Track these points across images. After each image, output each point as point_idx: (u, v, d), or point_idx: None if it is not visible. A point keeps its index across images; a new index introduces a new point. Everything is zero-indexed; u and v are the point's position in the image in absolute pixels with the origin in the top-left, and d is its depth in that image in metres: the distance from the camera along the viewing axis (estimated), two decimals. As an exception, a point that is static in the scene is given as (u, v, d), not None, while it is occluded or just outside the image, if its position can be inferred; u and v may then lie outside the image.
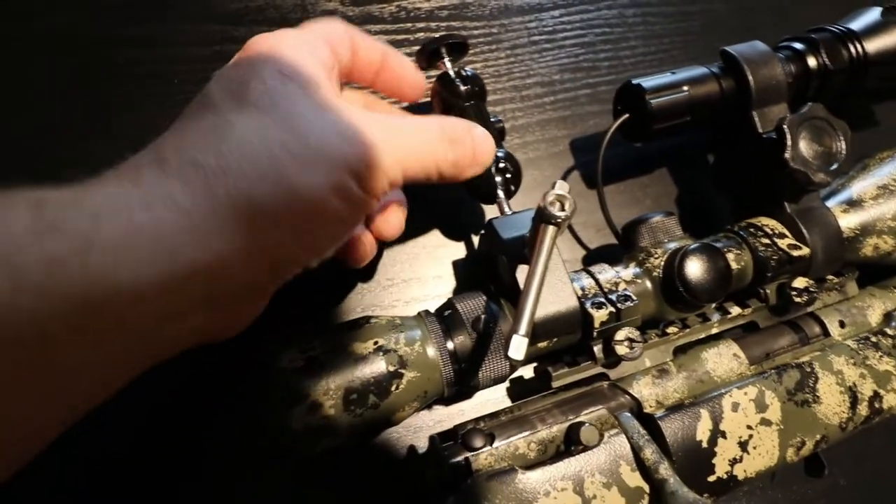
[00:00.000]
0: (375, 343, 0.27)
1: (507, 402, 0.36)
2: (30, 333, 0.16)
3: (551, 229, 0.25)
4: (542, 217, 0.25)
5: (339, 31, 0.29)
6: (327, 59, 0.27)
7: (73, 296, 0.17)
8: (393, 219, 0.32)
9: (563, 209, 0.24)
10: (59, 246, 0.17)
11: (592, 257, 0.40)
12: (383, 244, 0.37)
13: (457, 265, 0.38)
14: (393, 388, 0.27)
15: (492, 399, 0.36)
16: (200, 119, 0.23)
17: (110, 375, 0.20)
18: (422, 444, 0.34)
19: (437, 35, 0.43)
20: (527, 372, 0.36)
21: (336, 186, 0.23)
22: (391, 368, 0.27)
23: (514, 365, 0.30)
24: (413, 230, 0.38)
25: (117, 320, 0.18)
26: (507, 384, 0.36)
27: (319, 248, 0.25)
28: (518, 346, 0.22)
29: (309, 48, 0.26)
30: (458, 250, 0.39)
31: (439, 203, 0.39)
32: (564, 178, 0.42)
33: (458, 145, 0.28)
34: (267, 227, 0.22)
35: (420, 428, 0.34)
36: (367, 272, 0.37)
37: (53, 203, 0.18)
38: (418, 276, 0.37)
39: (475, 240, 0.39)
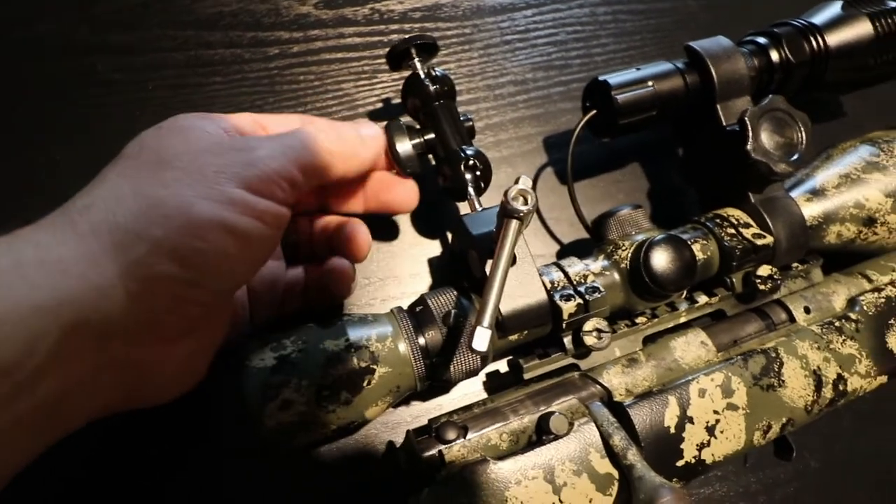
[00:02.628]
0: (346, 340, 0.28)
1: (484, 396, 0.36)
2: None
3: (514, 223, 0.25)
4: (505, 212, 0.25)
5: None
6: (237, 123, 0.28)
7: None
8: (359, 238, 0.33)
9: (525, 203, 0.25)
10: None
11: (566, 252, 0.41)
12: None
13: (432, 263, 0.39)
14: (364, 383, 0.27)
15: (469, 393, 0.36)
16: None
17: (14, 439, 0.20)
18: (400, 440, 0.35)
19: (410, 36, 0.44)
20: (502, 366, 0.37)
21: (209, 194, 0.23)
22: (362, 365, 0.27)
23: (484, 357, 0.31)
24: (390, 229, 0.39)
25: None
26: (483, 378, 0.37)
27: (219, 268, 0.24)
28: (481, 338, 0.23)
29: (212, 117, 0.27)
30: (434, 248, 0.39)
31: (415, 202, 0.40)
32: (538, 174, 0.42)
33: (333, 128, 0.30)
34: (137, 248, 0.22)
35: (398, 424, 0.35)
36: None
37: None
38: (395, 274, 0.38)
39: (451, 238, 0.39)
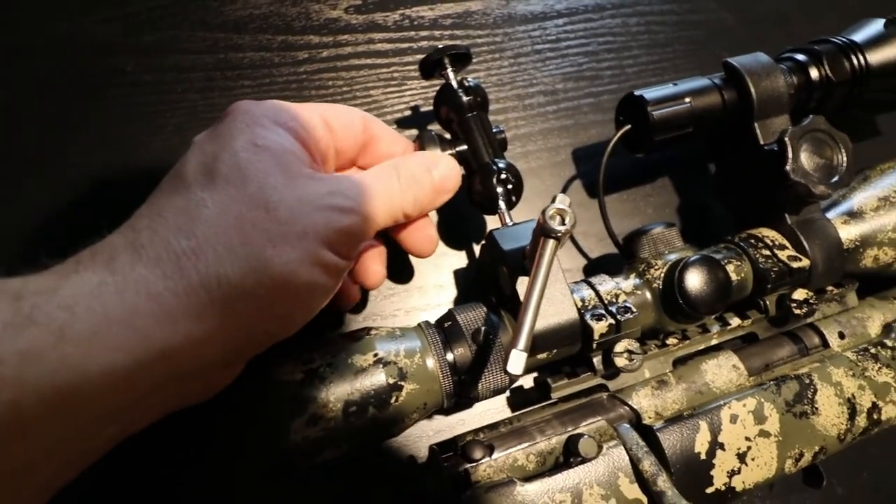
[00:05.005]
0: (375, 355, 0.27)
1: (508, 412, 0.36)
2: (5, 421, 0.17)
3: (551, 243, 0.25)
4: (542, 231, 0.25)
5: (340, 109, 0.30)
6: (311, 129, 0.27)
7: (47, 386, 0.18)
8: (374, 268, 0.31)
9: (563, 223, 0.24)
10: (35, 338, 0.18)
11: (594, 266, 0.40)
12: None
13: (458, 274, 0.38)
14: (392, 400, 0.27)
15: (492, 409, 0.36)
16: (175, 195, 0.23)
17: (83, 455, 0.21)
18: (421, 454, 0.34)
19: (440, 44, 0.43)
20: (527, 381, 0.36)
21: (308, 258, 0.23)
22: (391, 381, 0.27)
23: (513, 378, 0.30)
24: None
25: (90, 405, 0.19)
26: (506, 394, 0.36)
27: (295, 318, 0.25)
28: (517, 361, 0.22)
29: (291, 117, 0.26)
30: (460, 259, 0.39)
31: (441, 212, 0.39)
32: (566, 187, 0.42)
33: (417, 185, 0.29)
34: (239, 304, 0.22)
35: (420, 437, 0.35)
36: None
37: (31, 294, 0.19)
38: (419, 285, 0.38)
39: (477, 249, 0.39)
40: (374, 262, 0.31)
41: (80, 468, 0.21)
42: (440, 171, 0.30)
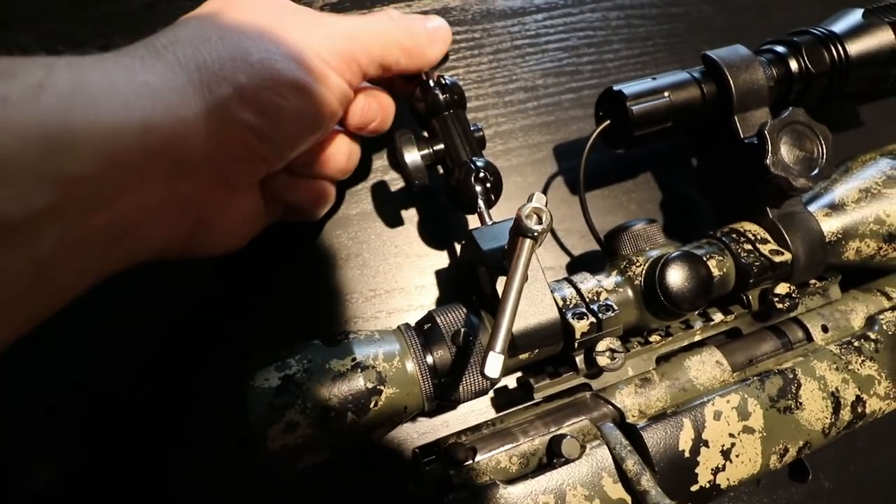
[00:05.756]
0: (353, 359, 0.27)
1: (492, 413, 0.35)
2: None
3: (528, 242, 0.24)
4: (518, 230, 0.24)
5: None
6: None
7: (28, 130, 0.18)
8: (365, 103, 0.31)
9: (539, 222, 0.24)
10: (13, 88, 0.18)
11: (576, 264, 0.40)
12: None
13: (440, 275, 0.38)
14: (371, 405, 0.26)
15: (476, 410, 0.35)
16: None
17: (83, 254, 0.20)
18: (405, 457, 0.34)
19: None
20: (511, 381, 0.36)
21: (290, 54, 0.24)
22: (369, 385, 0.26)
23: (493, 381, 0.30)
24: (396, 240, 0.38)
25: (78, 166, 0.18)
26: (490, 394, 0.36)
27: (288, 128, 0.25)
28: (494, 364, 0.22)
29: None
30: (442, 260, 0.38)
31: (422, 212, 0.39)
32: (548, 184, 0.41)
33: (410, 25, 0.30)
34: (223, 92, 0.22)
35: (404, 440, 0.34)
36: (350, 283, 0.37)
37: (7, 62, 0.19)
38: (401, 286, 0.37)
39: (458, 249, 0.38)
40: (370, 98, 0.31)
41: (80, 283, 0.21)
42: (433, 23, 0.32)
